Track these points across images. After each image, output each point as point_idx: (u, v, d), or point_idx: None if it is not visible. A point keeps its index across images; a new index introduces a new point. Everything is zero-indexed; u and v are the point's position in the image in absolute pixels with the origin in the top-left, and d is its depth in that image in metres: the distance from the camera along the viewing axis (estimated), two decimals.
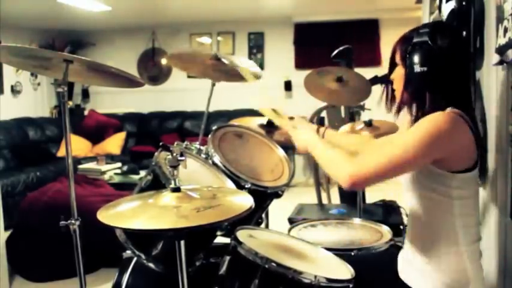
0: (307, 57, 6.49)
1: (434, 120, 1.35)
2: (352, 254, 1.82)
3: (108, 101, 7.06)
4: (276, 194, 2.00)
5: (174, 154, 1.32)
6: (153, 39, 6.95)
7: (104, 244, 2.75)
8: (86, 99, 7.22)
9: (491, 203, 1.90)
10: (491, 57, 1.75)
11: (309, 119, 4.62)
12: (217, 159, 1.91)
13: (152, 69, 7.03)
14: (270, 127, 2.53)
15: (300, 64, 6.57)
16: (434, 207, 1.44)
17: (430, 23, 1.51)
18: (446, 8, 2.02)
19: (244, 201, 1.33)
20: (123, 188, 4.23)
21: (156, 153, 1.76)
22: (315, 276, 1.40)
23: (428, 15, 3.09)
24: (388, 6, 5.76)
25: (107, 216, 1.24)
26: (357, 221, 2.29)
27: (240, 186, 1.84)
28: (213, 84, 2.55)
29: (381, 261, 1.82)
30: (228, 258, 1.56)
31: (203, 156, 1.98)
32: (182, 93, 6.81)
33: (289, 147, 2.00)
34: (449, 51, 1.42)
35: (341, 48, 3.69)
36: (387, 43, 6.03)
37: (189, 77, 6.57)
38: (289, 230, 2.11)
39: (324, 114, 4.67)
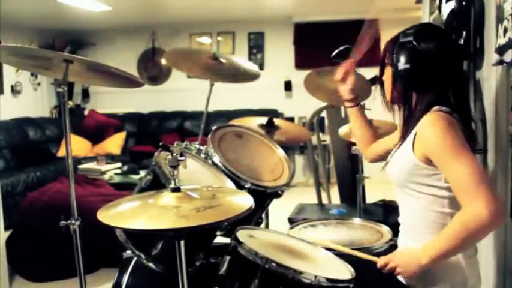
0: (307, 57, 6.49)
1: (440, 124, 1.36)
2: None
3: (108, 101, 7.06)
4: (276, 194, 2.00)
5: (174, 154, 1.32)
6: (153, 39, 6.95)
7: (104, 244, 2.76)
8: (86, 99, 7.23)
9: None
10: (491, 57, 1.75)
11: (309, 119, 4.62)
12: (217, 159, 1.91)
13: (152, 69, 7.03)
14: (270, 127, 2.54)
15: (299, 64, 6.57)
16: (426, 205, 1.45)
17: (418, 24, 1.53)
18: (446, 8, 2.01)
19: (244, 201, 1.33)
20: (123, 188, 4.23)
21: (156, 153, 1.76)
22: (315, 276, 1.40)
23: (428, 15, 3.09)
24: (388, 6, 5.76)
25: (107, 216, 1.24)
26: (357, 221, 2.29)
27: (240, 186, 1.84)
28: (212, 84, 2.55)
29: None
30: (228, 258, 1.56)
31: (203, 156, 1.98)
32: (182, 93, 6.81)
33: (289, 147, 2.00)
34: (433, 51, 1.43)
35: (341, 48, 3.67)
36: None
37: (189, 77, 6.57)
38: (289, 230, 2.11)
39: (324, 114, 4.67)
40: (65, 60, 1.66)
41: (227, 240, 1.67)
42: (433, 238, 1.41)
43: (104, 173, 4.93)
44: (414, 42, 1.44)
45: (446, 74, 1.47)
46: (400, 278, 1.55)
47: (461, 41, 1.94)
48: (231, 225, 1.72)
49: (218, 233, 1.83)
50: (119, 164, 5.26)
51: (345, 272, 1.56)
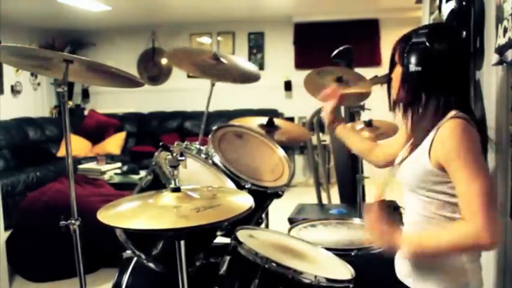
0: (307, 57, 6.49)
1: (461, 135, 1.34)
2: (352, 254, 1.83)
3: (108, 101, 7.06)
4: (276, 194, 2.00)
5: (174, 154, 1.32)
6: (153, 39, 6.95)
7: (104, 244, 2.76)
8: (86, 99, 7.22)
9: None
10: (491, 57, 1.75)
11: (309, 119, 4.62)
12: (217, 159, 1.91)
13: (152, 69, 7.03)
14: (270, 127, 2.54)
15: (299, 64, 6.57)
16: (436, 210, 1.43)
17: (430, 24, 1.52)
18: (446, 8, 2.01)
19: (244, 201, 1.33)
20: (123, 188, 4.22)
21: (156, 153, 1.76)
22: (315, 277, 1.40)
23: (428, 15, 3.09)
24: (388, 6, 5.76)
25: (107, 216, 1.24)
26: (357, 221, 2.29)
27: (240, 186, 1.85)
28: (213, 84, 2.55)
29: (381, 261, 1.82)
30: (228, 258, 1.56)
31: (203, 156, 1.98)
32: (182, 93, 6.81)
33: (289, 147, 2.00)
34: (446, 53, 1.42)
35: (341, 48, 3.69)
36: (387, 43, 6.03)
37: (189, 77, 6.57)
38: (289, 230, 2.11)
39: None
40: (65, 60, 1.66)
41: (227, 240, 1.67)
42: (430, 230, 1.42)
43: (104, 173, 4.94)
44: (427, 44, 1.41)
45: (458, 76, 1.45)
46: (400, 278, 1.55)
47: None
48: (231, 225, 1.72)
49: (218, 233, 1.83)
50: (119, 164, 5.26)
51: (344, 272, 1.56)
